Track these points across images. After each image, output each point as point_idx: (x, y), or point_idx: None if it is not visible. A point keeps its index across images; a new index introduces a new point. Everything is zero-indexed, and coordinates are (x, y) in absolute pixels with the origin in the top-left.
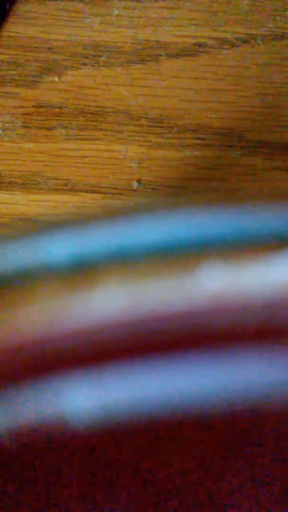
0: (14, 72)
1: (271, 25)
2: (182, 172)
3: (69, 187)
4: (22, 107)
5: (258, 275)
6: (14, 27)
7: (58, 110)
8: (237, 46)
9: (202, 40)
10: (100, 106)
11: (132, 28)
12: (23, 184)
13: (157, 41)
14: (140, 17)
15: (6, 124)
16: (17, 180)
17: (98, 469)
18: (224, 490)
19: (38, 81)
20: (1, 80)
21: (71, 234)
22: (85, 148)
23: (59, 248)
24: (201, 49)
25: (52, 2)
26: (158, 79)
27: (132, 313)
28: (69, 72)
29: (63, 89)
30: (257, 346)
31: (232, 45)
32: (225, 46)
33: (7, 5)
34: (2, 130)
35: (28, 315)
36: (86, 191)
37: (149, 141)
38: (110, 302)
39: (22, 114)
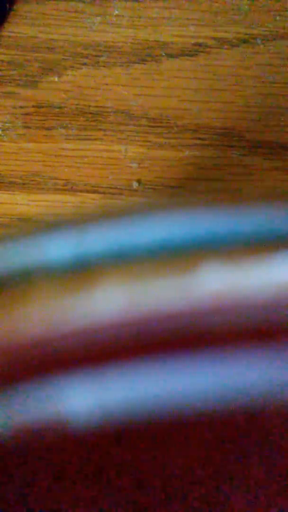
0: (14, 72)
1: (271, 25)
2: (182, 172)
3: (69, 187)
4: (22, 107)
5: (258, 275)
6: (14, 27)
7: (58, 110)
8: (237, 46)
9: (202, 40)
10: (100, 106)
11: (132, 28)
12: (23, 184)
13: (157, 41)
14: (140, 17)
15: (6, 124)
16: (17, 180)
17: (98, 469)
18: (224, 490)
19: (38, 81)
20: (1, 80)
21: (71, 234)
22: (85, 148)
23: (59, 248)
24: (201, 49)
25: (52, 2)
26: (158, 79)
27: (132, 313)
28: (69, 72)
29: (63, 89)
30: (257, 346)
31: (232, 45)
32: (225, 46)
33: (7, 5)
34: (2, 130)
35: (28, 315)
36: (86, 191)
37: (149, 141)
38: (110, 302)
39: (22, 114)
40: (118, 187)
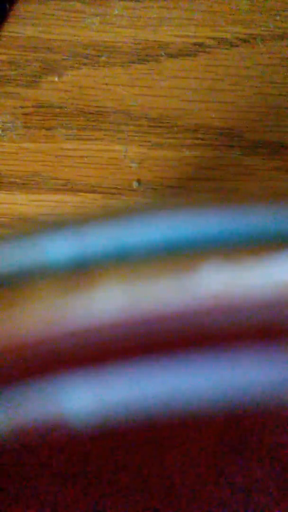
0: (14, 72)
1: (271, 25)
2: (182, 172)
3: (69, 187)
4: (22, 107)
5: (258, 275)
6: (14, 27)
7: (58, 110)
8: (237, 46)
9: (202, 40)
10: (100, 106)
11: (132, 28)
12: (23, 184)
13: (157, 41)
14: (140, 17)
15: (6, 124)
16: (17, 180)
17: (97, 469)
18: (224, 490)
19: (38, 81)
20: (1, 80)
21: (71, 234)
22: (85, 148)
23: (59, 248)
24: (201, 49)
25: (52, 2)
26: (158, 79)
27: (132, 313)
28: (69, 72)
29: (63, 89)
30: (257, 346)
31: (232, 45)
32: (225, 46)
33: (7, 5)
34: (2, 130)
35: (28, 315)
36: (86, 191)
37: (149, 141)
38: (110, 302)
39: (22, 114)
40: (118, 187)
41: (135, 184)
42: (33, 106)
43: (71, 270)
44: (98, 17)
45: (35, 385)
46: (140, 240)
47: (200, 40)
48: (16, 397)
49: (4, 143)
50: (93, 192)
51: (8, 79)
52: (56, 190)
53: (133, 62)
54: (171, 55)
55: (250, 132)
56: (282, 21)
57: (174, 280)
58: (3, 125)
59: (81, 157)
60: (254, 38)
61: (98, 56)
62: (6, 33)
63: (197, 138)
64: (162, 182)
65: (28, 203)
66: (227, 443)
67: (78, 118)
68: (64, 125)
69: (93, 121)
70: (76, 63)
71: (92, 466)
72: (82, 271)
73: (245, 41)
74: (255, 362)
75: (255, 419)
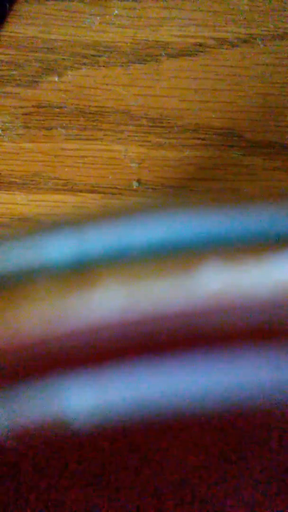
0: (14, 72)
1: (271, 25)
2: (182, 172)
3: (69, 187)
4: (22, 107)
5: (258, 275)
6: (14, 27)
7: (58, 110)
8: (237, 46)
9: (202, 40)
10: (100, 106)
11: (132, 28)
12: (23, 184)
13: (157, 41)
14: (140, 17)
15: (6, 124)
16: (17, 180)
17: (97, 469)
18: (224, 490)
19: (38, 81)
20: (1, 80)
21: (71, 234)
22: (85, 148)
23: (59, 248)
24: (201, 49)
25: (52, 2)
26: (158, 79)
27: (132, 313)
28: (69, 72)
29: (63, 89)
30: (257, 346)
31: (232, 45)
32: (225, 46)
33: (7, 5)
34: (2, 130)
35: (28, 315)
36: (86, 191)
37: (149, 141)
38: (109, 302)
39: (22, 114)
40: (118, 187)
41: (135, 184)
42: (33, 106)
43: (71, 270)
44: (98, 17)
45: (35, 385)
46: (140, 240)
47: (200, 40)
48: (16, 397)
49: (4, 143)
50: (93, 192)
51: (8, 79)
52: (56, 190)
53: (133, 62)
54: (171, 55)
55: (250, 132)
56: (282, 21)
57: (174, 280)
58: (3, 125)
59: (81, 157)
60: (254, 38)
61: (98, 56)
62: (6, 33)
63: (197, 138)
64: (162, 182)
65: (28, 203)
66: (227, 443)
67: (78, 118)
68: (64, 125)
69: (93, 121)
70: (76, 63)
71: (92, 466)
72: (82, 271)
73: (245, 41)
74: (255, 362)
75: (255, 419)
